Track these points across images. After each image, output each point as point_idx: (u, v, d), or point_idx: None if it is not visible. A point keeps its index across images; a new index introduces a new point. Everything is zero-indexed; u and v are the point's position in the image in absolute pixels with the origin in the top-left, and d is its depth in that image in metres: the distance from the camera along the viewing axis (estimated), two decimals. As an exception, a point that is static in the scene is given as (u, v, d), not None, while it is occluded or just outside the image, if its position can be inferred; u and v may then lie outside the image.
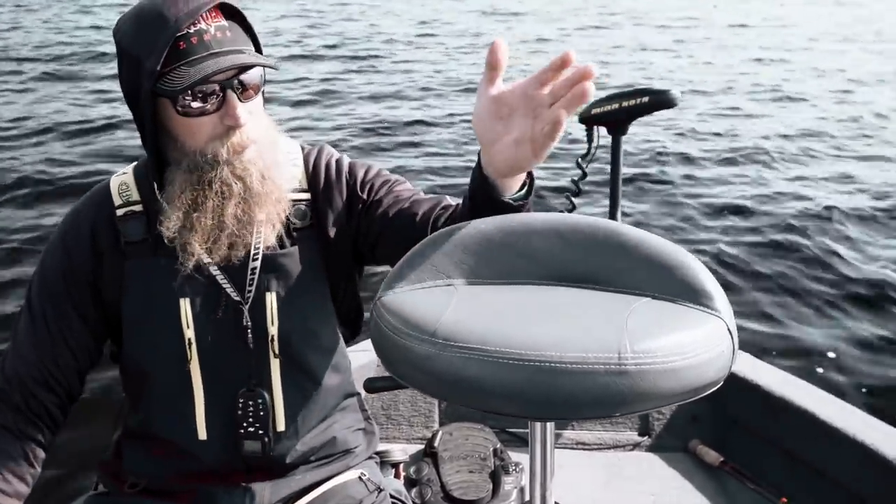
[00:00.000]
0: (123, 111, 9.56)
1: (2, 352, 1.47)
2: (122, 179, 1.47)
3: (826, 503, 2.01)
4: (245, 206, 1.36)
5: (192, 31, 1.26)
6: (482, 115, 1.14)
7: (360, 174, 1.52)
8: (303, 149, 1.54)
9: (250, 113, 1.34)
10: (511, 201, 1.22)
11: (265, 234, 1.40)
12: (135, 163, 1.51)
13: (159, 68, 1.26)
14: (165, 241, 1.37)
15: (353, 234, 1.51)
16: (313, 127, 8.99)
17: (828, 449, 2.12)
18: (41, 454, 1.43)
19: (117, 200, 1.44)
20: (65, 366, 1.44)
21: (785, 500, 2.05)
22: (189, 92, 1.27)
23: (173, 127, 1.33)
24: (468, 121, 8.36)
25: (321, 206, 1.50)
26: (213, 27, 1.28)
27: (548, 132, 1.07)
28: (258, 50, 1.36)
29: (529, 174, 1.25)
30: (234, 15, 1.32)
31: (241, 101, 1.31)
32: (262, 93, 1.41)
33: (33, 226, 5.94)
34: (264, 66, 1.33)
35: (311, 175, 1.51)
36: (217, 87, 1.29)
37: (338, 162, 1.54)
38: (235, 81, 1.30)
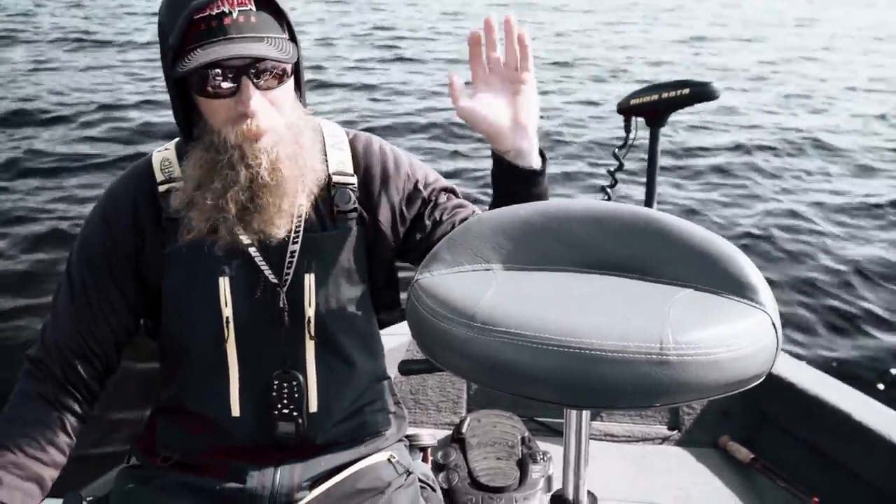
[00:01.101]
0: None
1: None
2: (164, 155, 1.48)
3: (856, 502, 1.99)
4: (251, 195, 1.35)
5: (213, 13, 1.26)
6: (467, 119, 1.37)
7: (422, 175, 1.55)
8: (347, 133, 1.54)
9: (270, 102, 1.34)
10: (526, 167, 1.41)
11: (277, 221, 1.39)
12: (177, 139, 1.51)
13: (178, 47, 1.28)
14: (171, 211, 1.40)
15: (404, 230, 1.53)
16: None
17: (860, 449, 2.10)
18: (78, 425, 1.45)
19: (159, 176, 1.45)
20: (103, 338, 1.45)
21: (816, 499, 2.02)
22: (201, 73, 1.28)
23: (200, 105, 1.35)
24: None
25: (370, 192, 1.51)
26: (237, 11, 1.27)
27: (517, 90, 1.35)
28: (292, 38, 1.35)
29: (541, 152, 1.44)
30: (267, 1, 1.31)
31: (258, 88, 1.31)
32: (299, 81, 1.41)
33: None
34: (273, 60, 1.30)
35: (359, 160, 1.52)
36: (233, 72, 1.29)
37: (396, 155, 1.55)
38: (252, 69, 1.29)
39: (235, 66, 1.28)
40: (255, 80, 1.30)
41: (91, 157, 7.24)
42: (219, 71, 1.28)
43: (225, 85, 1.30)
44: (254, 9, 1.29)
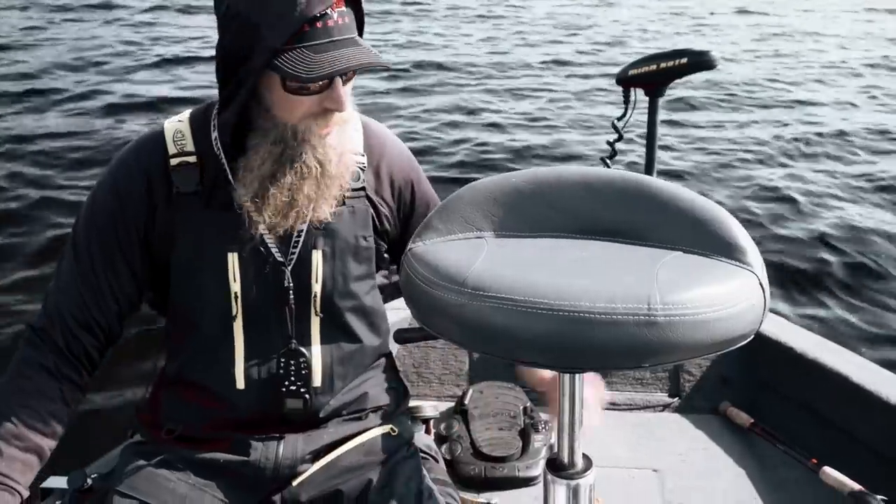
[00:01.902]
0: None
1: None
2: (177, 127, 1.48)
3: (857, 465, 2.00)
4: (317, 186, 1.39)
5: (318, 14, 1.26)
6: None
7: (421, 182, 1.63)
8: (360, 116, 1.57)
9: (348, 95, 1.37)
10: None
11: (324, 207, 1.42)
12: (191, 110, 1.51)
13: (280, 45, 1.27)
14: (235, 206, 1.40)
15: (396, 224, 1.60)
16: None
17: (859, 411, 2.11)
18: (78, 395, 1.46)
19: (172, 149, 1.45)
20: (107, 309, 1.47)
21: (815, 461, 2.04)
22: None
23: (271, 98, 1.35)
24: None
25: (379, 175, 1.55)
26: (336, 13, 1.29)
27: None
28: (361, 33, 1.37)
29: None
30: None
31: (343, 85, 1.34)
32: None
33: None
34: (384, 67, 1.34)
35: (370, 143, 1.55)
36: None
37: (406, 153, 1.63)
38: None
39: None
40: (343, 78, 1.33)
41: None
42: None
43: (319, 85, 1.31)
44: (346, 9, 1.31)
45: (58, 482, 1.50)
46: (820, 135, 7.49)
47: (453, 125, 7.87)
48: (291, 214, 1.39)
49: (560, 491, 1.06)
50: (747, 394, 2.43)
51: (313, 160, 1.36)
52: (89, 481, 1.49)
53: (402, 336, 1.56)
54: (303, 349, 1.47)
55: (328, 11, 1.27)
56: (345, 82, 1.34)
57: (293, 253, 1.45)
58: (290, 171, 1.36)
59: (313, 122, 1.35)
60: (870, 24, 14.24)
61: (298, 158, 1.36)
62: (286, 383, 1.47)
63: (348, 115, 1.40)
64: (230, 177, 1.41)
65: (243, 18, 1.29)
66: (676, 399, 2.48)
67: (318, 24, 1.27)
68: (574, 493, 1.05)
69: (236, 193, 1.40)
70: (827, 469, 2.00)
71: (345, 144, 1.41)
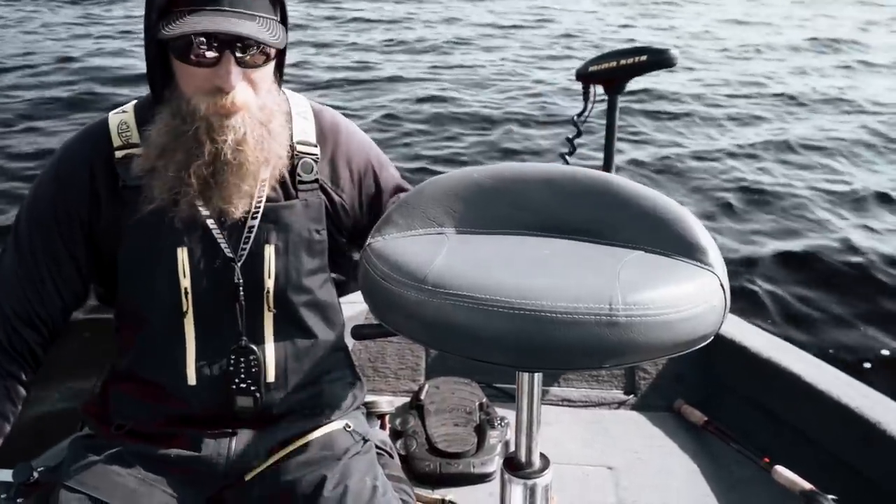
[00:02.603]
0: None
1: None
2: (121, 118, 1.44)
3: (808, 464, 2.03)
4: (213, 170, 1.33)
5: None
6: None
7: (381, 165, 1.60)
8: (312, 106, 1.54)
9: (248, 81, 1.32)
10: None
11: (251, 203, 1.39)
12: (135, 101, 1.48)
13: (166, 7, 1.26)
14: (129, 179, 1.37)
15: (359, 213, 1.56)
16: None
17: (811, 411, 2.14)
18: (23, 392, 1.43)
19: (116, 141, 1.42)
20: (50, 304, 1.43)
21: (767, 459, 2.06)
22: (185, 39, 1.26)
23: (175, 68, 1.33)
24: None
25: (334, 165, 1.52)
26: None
27: None
28: (284, 20, 1.34)
29: None
30: None
31: (239, 64, 1.29)
32: (282, 55, 1.41)
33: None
34: (261, 43, 1.29)
35: (325, 133, 1.52)
36: (217, 44, 1.27)
37: (361, 138, 1.59)
38: (237, 45, 1.27)
39: (220, 38, 1.26)
40: (237, 56, 1.28)
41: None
42: (203, 40, 1.26)
43: (207, 55, 1.27)
44: None
45: (3, 475, 1.46)
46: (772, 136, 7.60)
47: (412, 118, 7.85)
48: (182, 194, 1.34)
49: (517, 490, 1.05)
50: (702, 392, 2.45)
51: (206, 138, 1.31)
52: (35, 475, 1.45)
53: (360, 332, 1.55)
54: (253, 346, 1.45)
55: None
56: (243, 63, 1.30)
57: (244, 248, 1.42)
58: (182, 147, 1.32)
59: (202, 98, 1.30)
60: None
61: (189, 135, 1.32)
62: (236, 380, 1.45)
63: (246, 101, 1.32)
64: (159, 164, 1.36)
65: None
66: (632, 396, 2.49)
67: None
68: (531, 493, 1.05)
69: (130, 164, 1.37)
70: (779, 468, 2.01)
71: (252, 134, 1.34)
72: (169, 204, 1.36)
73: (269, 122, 1.37)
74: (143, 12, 1.34)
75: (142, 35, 1.36)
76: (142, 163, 1.36)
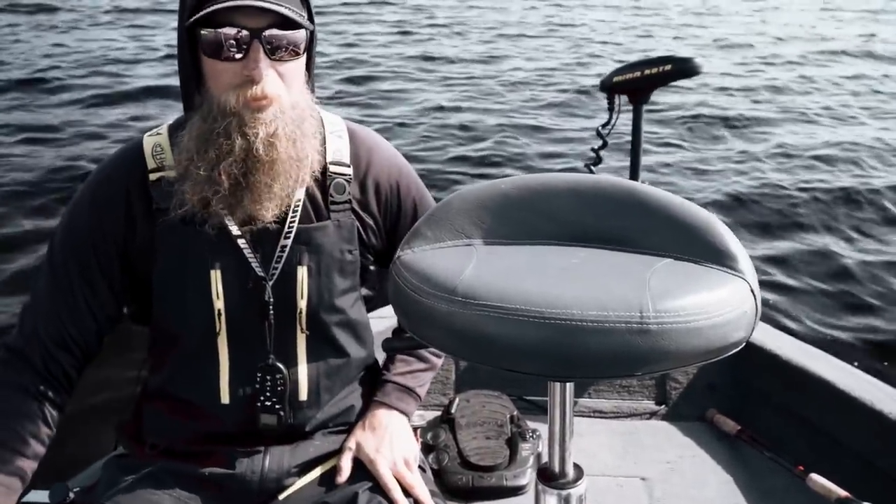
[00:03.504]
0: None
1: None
2: (156, 140, 1.45)
3: (843, 472, 2.00)
4: (244, 169, 1.33)
5: None
6: None
7: (416, 190, 1.60)
8: (347, 125, 1.54)
9: (280, 74, 1.33)
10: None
11: (266, 204, 1.37)
12: (169, 122, 1.49)
13: (195, 5, 1.28)
14: (161, 202, 1.38)
15: (387, 234, 1.57)
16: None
17: (845, 418, 2.12)
18: (57, 415, 1.44)
19: (150, 163, 1.42)
20: (84, 327, 1.44)
21: (802, 468, 2.04)
22: (213, 33, 1.27)
23: (204, 71, 1.34)
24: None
25: (365, 186, 1.52)
26: None
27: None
28: (310, 18, 1.35)
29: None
30: None
31: (268, 57, 1.30)
32: (311, 63, 1.41)
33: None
34: (289, 19, 1.29)
35: (357, 153, 1.52)
36: (244, 35, 1.28)
37: (398, 161, 1.59)
38: (265, 34, 1.29)
39: (249, 28, 1.27)
40: (265, 47, 1.29)
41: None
42: (232, 32, 1.27)
43: (235, 47, 1.28)
44: None
45: (39, 496, 1.48)
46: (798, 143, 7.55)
47: (439, 131, 7.88)
48: (214, 195, 1.34)
49: (551, 501, 1.05)
50: (734, 401, 2.43)
51: (236, 133, 1.31)
52: (71, 495, 1.47)
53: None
54: (280, 365, 1.45)
55: None
56: (272, 56, 1.30)
57: (275, 268, 1.43)
58: (214, 145, 1.32)
59: (233, 92, 1.31)
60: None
61: (221, 132, 1.31)
62: (262, 398, 1.45)
63: (277, 92, 1.32)
64: (192, 166, 1.35)
65: None
66: (663, 406, 2.48)
67: None
68: (565, 503, 1.04)
69: (162, 186, 1.38)
70: (814, 476, 1.99)
71: (287, 130, 1.34)
72: (199, 209, 1.36)
73: (301, 121, 1.37)
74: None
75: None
76: (176, 168, 1.36)
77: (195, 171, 1.33)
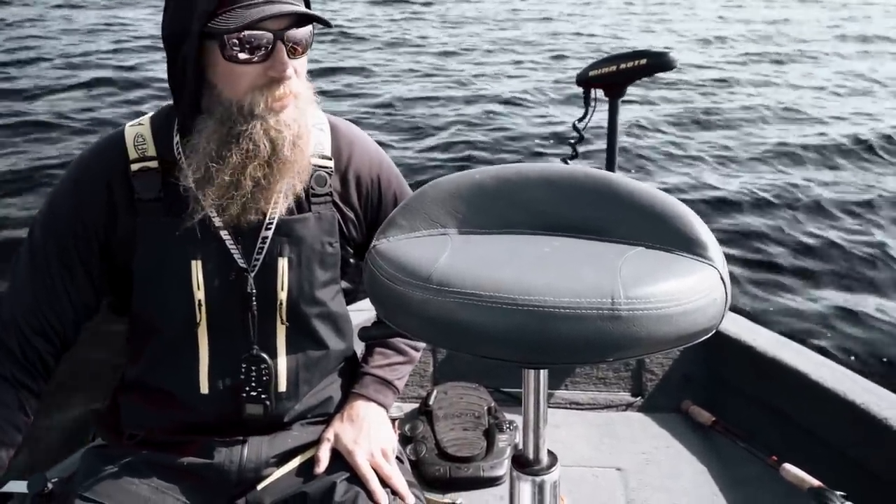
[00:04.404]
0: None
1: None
2: (138, 131, 1.45)
3: (816, 462, 2.03)
4: (267, 171, 1.35)
5: None
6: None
7: (396, 183, 1.61)
8: (329, 118, 1.55)
9: (295, 71, 1.34)
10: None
11: (280, 204, 1.40)
12: (151, 113, 1.49)
13: (213, 10, 1.27)
14: (181, 189, 1.37)
15: (367, 227, 1.57)
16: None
17: (818, 409, 2.14)
18: (34, 403, 1.44)
19: (132, 154, 1.42)
20: (63, 316, 1.44)
21: (775, 458, 2.06)
22: (238, 37, 1.27)
23: (215, 73, 1.33)
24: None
25: (346, 179, 1.52)
26: None
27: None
28: (307, 5, 1.36)
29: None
30: None
31: (289, 56, 1.31)
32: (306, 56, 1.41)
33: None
34: (321, 22, 1.32)
35: (338, 146, 1.52)
36: (268, 37, 1.28)
37: (378, 154, 1.59)
38: (286, 34, 1.29)
39: (271, 30, 1.28)
40: (287, 46, 1.30)
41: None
42: (253, 35, 1.28)
43: (258, 50, 1.29)
44: None
45: (18, 486, 1.48)
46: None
47: (412, 122, 7.89)
48: (237, 198, 1.35)
49: (525, 487, 1.06)
50: (708, 392, 2.46)
51: (263, 137, 1.32)
52: (50, 485, 1.46)
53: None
54: (264, 355, 1.46)
55: None
56: (292, 55, 1.32)
57: (257, 259, 1.44)
58: (237, 148, 1.32)
59: (259, 94, 1.32)
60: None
61: (245, 135, 1.32)
62: (247, 389, 1.46)
63: (300, 89, 1.36)
64: (192, 182, 1.37)
65: None
66: (639, 398, 2.50)
67: None
68: (539, 490, 1.06)
69: (181, 174, 1.37)
70: (787, 466, 2.02)
71: (302, 127, 1.37)
72: (216, 213, 1.38)
73: (310, 112, 1.41)
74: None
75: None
76: (192, 172, 1.35)
77: (218, 176, 1.34)
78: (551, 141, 7.30)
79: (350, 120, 1.62)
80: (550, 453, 1.08)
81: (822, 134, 7.75)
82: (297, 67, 1.35)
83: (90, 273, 1.45)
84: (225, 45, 1.29)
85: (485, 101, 8.96)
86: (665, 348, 0.87)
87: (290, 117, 1.34)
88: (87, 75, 9.60)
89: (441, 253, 0.95)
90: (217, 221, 1.39)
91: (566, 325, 0.82)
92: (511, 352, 0.85)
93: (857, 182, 6.37)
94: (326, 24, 1.33)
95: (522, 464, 1.07)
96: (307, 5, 1.36)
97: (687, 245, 0.95)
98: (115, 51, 11.03)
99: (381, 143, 1.64)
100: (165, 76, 1.38)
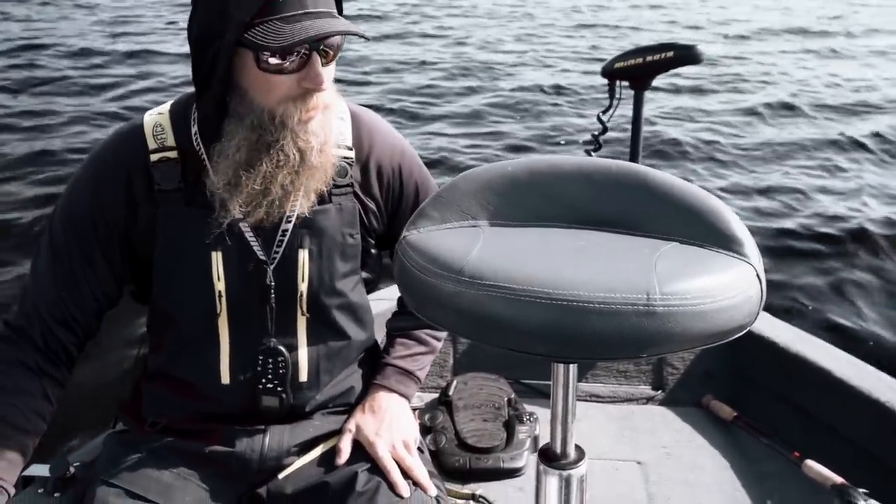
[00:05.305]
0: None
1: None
2: (157, 120, 1.44)
3: (838, 459, 2.02)
4: (294, 177, 1.34)
5: None
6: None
7: (418, 174, 1.60)
8: (350, 106, 1.54)
9: (327, 78, 1.33)
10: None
11: (301, 202, 1.39)
12: (170, 102, 1.48)
13: (249, 20, 1.24)
14: (207, 193, 1.37)
15: (388, 220, 1.57)
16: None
17: (840, 404, 2.13)
18: (58, 391, 1.44)
19: (152, 144, 1.41)
20: (85, 305, 1.44)
21: (797, 454, 2.05)
22: (278, 50, 1.25)
23: (246, 80, 1.31)
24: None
25: (367, 168, 1.51)
26: None
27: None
28: (339, 10, 1.34)
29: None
30: None
31: (322, 64, 1.30)
32: None
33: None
34: (360, 36, 1.31)
35: (360, 136, 1.51)
36: (304, 48, 1.26)
37: (401, 143, 1.58)
38: (322, 44, 1.28)
39: (307, 41, 1.26)
40: (322, 56, 1.29)
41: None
42: (290, 46, 1.25)
43: (294, 61, 1.28)
44: None
45: (40, 470, 1.48)
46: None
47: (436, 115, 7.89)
48: (265, 204, 1.35)
49: (552, 481, 1.06)
50: (730, 387, 2.45)
51: (293, 147, 1.32)
52: (72, 469, 1.47)
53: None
54: (282, 348, 1.45)
55: None
56: (325, 62, 1.30)
57: (276, 252, 1.43)
58: (267, 158, 1.32)
59: (292, 104, 1.30)
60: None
61: (276, 145, 1.31)
62: (263, 381, 1.46)
63: (330, 98, 1.36)
64: (211, 172, 1.37)
65: None
66: (660, 392, 2.49)
67: None
68: (566, 484, 1.05)
69: (209, 180, 1.37)
70: (809, 462, 2.01)
71: (328, 133, 1.37)
72: (243, 217, 1.37)
73: (336, 114, 1.42)
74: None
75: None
76: (220, 178, 1.34)
77: (248, 183, 1.33)
78: (574, 132, 7.28)
79: (372, 107, 1.61)
80: (577, 447, 1.07)
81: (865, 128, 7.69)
82: (328, 74, 1.34)
83: (111, 263, 1.44)
84: (259, 57, 1.27)
85: (516, 90, 8.94)
86: (699, 345, 0.86)
87: (318, 126, 1.34)
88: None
89: (473, 245, 0.94)
90: (237, 213, 1.38)
91: (600, 321, 0.81)
92: (543, 346, 0.84)
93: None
94: (364, 37, 1.33)
95: (550, 457, 1.06)
96: (339, 7, 1.35)
97: (722, 241, 0.94)
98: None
99: (406, 133, 1.62)
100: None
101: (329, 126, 1.37)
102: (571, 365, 1.02)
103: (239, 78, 1.31)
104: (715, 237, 0.95)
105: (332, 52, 1.32)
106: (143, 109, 1.50)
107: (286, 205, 1.38)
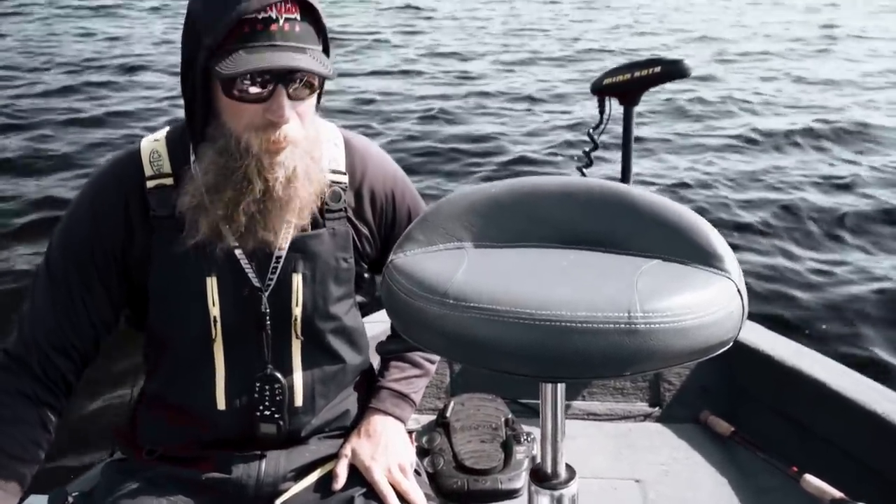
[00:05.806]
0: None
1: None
2: (153, 147, 1.45)
3: (837, 473, 2.01)
4: (261, 207, 1.34)
5: (260, 16, 1.24)
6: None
7: (410, 200, 1.61)
8: (343, 133, 1.55)
9: (298, 114, 1.32)
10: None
11: (283, 234, 1.40)
12: (167, 129, 1.49)
13: (217, 46, 1.26)
14: (176, 212, 1.38)
15: (381, 242, 1.58)
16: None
17: (838, 418, 2.12)
18: (56, 420, 1.44)
19: (148, 170, 1.43)
20: (83, 333, 1.44)
21: (796, 469, 2.05)
22: (239, 79, 1.26)
23: (218, 105, 1.33)
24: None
25: (360, 194, 1.52)
26: (283, 18, 1.26)
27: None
28: (325, 50, 1.34)
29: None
30: (310, 10, 1.30)
31: (290, 98, 1.30)
32: (319, 96, 1.40)
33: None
34: (317, 75, 1.30)
35: (353, 161, 1.52)
36: (269, 78, 1.27)
37: (393, 170, 1.59)
38: (287, 78, 1.28)
39: (273, 73, 1.27)
40: (288, 90, 1.29)
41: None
42: (255, 76, 1.26)
43: (257, 90, 1.28)
44: (299, 17, 1.28)
45: (38, 501, 1.48)
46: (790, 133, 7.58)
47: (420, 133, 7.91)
48: (225, 230, 1.36)
49: (543, 501, 1.06)
50: (727, 402, 2.44)
51: (256, 176, 1.32)
52: (70, 500, 1.47)
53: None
54: (279, 374, 1.46)
55: (273, 15, 1.25)
56: (293, 96, 1.30)
57: (271, 278, 1.44)
58: (231, 184, 1.33)
59: (255, 135, 1.30)
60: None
61: (239, 171, 1.32)
62: (261, 408, 1.46)
63: (298, 134, 1.34)
64: (185, 208, 1.37)
65: (192, 20, 1.31)
66: (657, 408, 2.49)
67: (259, 27, 1.25)
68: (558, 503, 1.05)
69: (178, 201, 1.37)
70: (808, 477, 2.00)
71: (300, 168, 1.35)
72: (210, 237, 1.37)
73: (313, 150, 1.38)
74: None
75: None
76: (188, 200, 1.36)
77: (211, 208, 1.34)
78: (563, 148, 7.30)
79: (366, 135, 1.62)
80: (569, 467, 1.07)
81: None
82: (302, 110, 1.33)
83: (109, 290, 1.45)
84: (225, 84, 1.28)
85: (494, 108, 8.97)
86: (682, 362, 0.87)
87: (285, 158, 1.33)
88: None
89: (457, 267, 0.95)
90: (232, 241, 1.39)
91: (583, 340, 0.82)
92: (528, 366, 0.85)
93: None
94: (326, 76, 1.31)
95: (540, 478, 1.06)
96: (325, 46, 1.35)
97: (703, 257, 0.95)
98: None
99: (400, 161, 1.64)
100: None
101: (303, 160, 1.35)
102: (559, 384, 1.02)
103: (216, 103, 1.33)
104: (695, 253, 0.96)
105: (303, 88, 1.31)
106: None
107: (259, 233, 1.37)
